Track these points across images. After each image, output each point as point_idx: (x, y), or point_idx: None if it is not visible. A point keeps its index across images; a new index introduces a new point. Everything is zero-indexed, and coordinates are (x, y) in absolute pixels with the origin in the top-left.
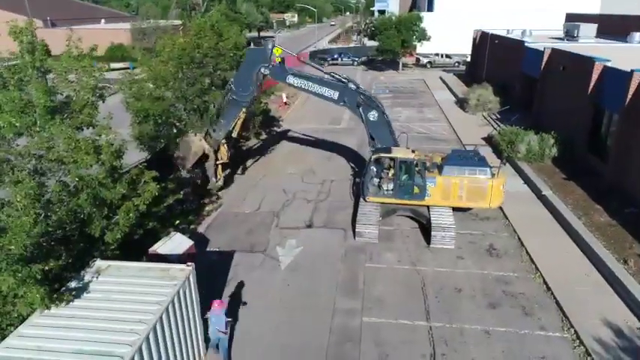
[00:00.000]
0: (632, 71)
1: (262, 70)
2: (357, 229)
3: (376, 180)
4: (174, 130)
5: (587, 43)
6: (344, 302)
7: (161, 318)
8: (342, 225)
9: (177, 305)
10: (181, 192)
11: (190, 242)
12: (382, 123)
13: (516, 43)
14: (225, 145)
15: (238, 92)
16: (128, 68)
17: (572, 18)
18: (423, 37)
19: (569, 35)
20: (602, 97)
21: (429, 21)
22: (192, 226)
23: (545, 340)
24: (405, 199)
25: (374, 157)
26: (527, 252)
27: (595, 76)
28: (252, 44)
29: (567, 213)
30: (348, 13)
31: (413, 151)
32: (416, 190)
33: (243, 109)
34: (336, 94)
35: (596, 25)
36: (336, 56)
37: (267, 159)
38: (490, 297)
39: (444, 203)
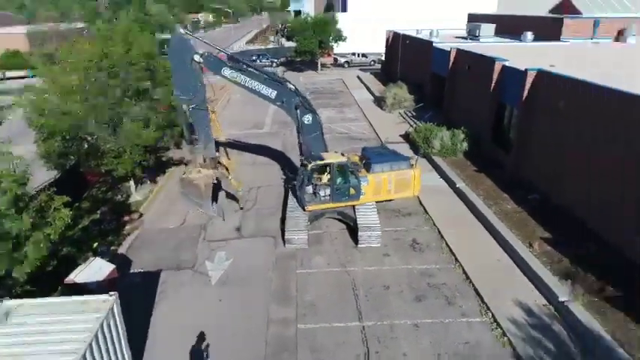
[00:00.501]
0: (527, 70)
1: (195, 57)
2: (286, 237)
3: (310, 188)
4: (85, 146)
5: (488, 42)
6: (278, 311)
7: (84, 358)
8: (271, 232)
9: (101, 341)
10: (98, 211)
11: (111, 266)
12: (316, 127)
13: (425, 43)
14: (224, 153)
15: (189, 97)
16: (27, 77)
17: (473, 18)
18: (339, 37)
19: (472, 35)
20: (502, 93)
21: (343, 21)
22: (112, 248)
23: (467, 326)
24: (342, 201)
25: (311, 166)
26: (446, 244)
27: (496, 75)
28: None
29: (479, 203)
30: (263, 13)
31: (342, 154)
32: (352, 191)
33: (210, 109)
34: (274, 93)
35: (494, 25)
36: (254, 58)
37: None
38: (416, 290)
39: (377, 199)
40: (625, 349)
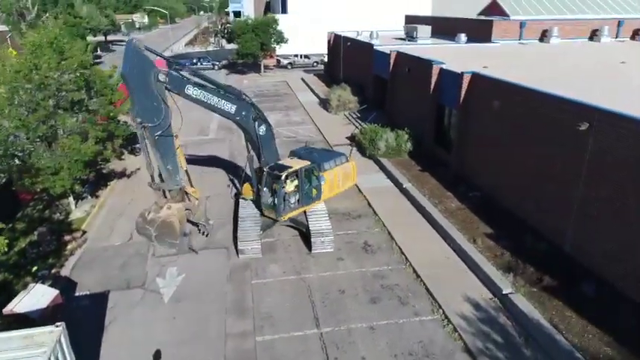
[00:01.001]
0: (462, 73)
1: (161, 77)
2: (239, 247)
3: (284, 196)
4: (17, 162)
5: (425, 44)
6: (235, 325)
7: None
8: (223, 244)
9: None
10: (35, 232)
11: (55, 292)
12: (270, 136)
13: (366, 45)
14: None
15: (154, 123)
16: None
17: (410, 20)
18: (281, 39)
19: (410, 36)
20: (441, 95)
21: (284, 23)
22: (54, 271)
23: (420, 325)
24: (310, 203)
25: (285, 174)
26: (397, 244)
27: (434, 77)
28: (98, 50)
29: (425, 202)
30: (202, 12)
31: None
32: (315, 192)
33: (175, 135)
34: (233, 108)
35: (430, 27)
36: (195, 61)
37: (134, 182)
38: (370, 293)
39: (332, 194)
40: (563, 334)
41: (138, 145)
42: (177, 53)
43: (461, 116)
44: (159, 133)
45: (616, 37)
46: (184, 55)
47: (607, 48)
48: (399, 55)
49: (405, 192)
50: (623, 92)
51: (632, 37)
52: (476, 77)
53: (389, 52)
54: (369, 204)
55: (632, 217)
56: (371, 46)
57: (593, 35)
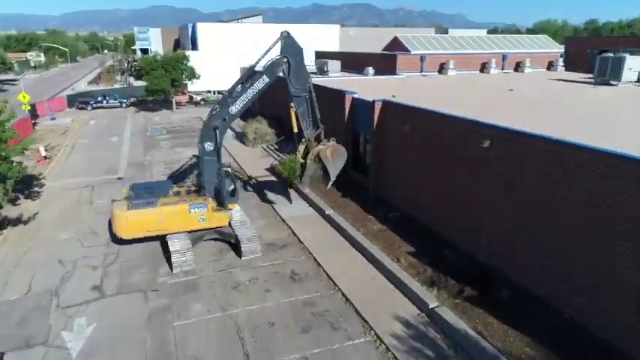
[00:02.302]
0: (374, 100)
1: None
2: (173, 262)
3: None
4: None
5: (336, 77)
6: None
7: None
8: (139, 286)
9: None
10: None
11: None
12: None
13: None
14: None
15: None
16: None
17: (320, 55)
18: (193, 75)
19: (321, 70)
20: (356, 123)
21: (195, 59)
22: None
23: (353, 348)
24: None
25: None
26: (324, 270)
27: (347, 106)
28: None
29: (348, 227)
30: (106, 51)
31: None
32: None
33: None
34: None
35: (339, 62)
36: (100, 99)
37: (32, 227)
38: (301, 322)
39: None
40: (488, 340)
41: (37, 188)
42: (79, 91)
43: (375, 141)
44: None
45: (502, 69)
46: (88, 92)
47: (496, 78)
48: (314, 87)
49: (328, 218)
50: (514, 114)
51: (515, 69)
52: (386, 104)
53: None
54: (293, 233)
55: (537, 225)
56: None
57: (483, 67)
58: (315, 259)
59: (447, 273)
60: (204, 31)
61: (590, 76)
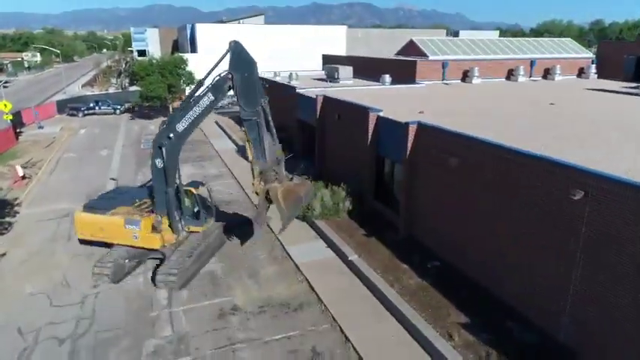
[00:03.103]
0: (407, 123)
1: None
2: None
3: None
4: None
5: (348, 85)
6: None
7: None
8: None
9: None
10: None
11: None
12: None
13: (288, 88)
14: None
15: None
16: None
17: (328, 60)
18: (191, 80)
19: (331, 77)
20: (381, 146)
21: (194, 63)
22: None
23: None
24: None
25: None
26: (354, 348)
27: (371, 126)
28: None
29: (378, 281)
30: (104, 50)
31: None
32: None
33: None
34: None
35: (351, 68)
36: (92, 105)
37: None
38: None
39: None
40: None
41: (8, 218)
42: (72, 96)
43: (408, 171)
44: None
45: (530, 77)
46: (81, 97)
47: (527, 87)
48: (326, 99)
49: (351, 266)
50: (575, 142)
51: (544, 76)
52: (424, 129)
53: (315, 96)
54: (310, 287)
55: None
56: (293, 88)
57: (510, 75)
58: (341, 330)
59: (519, 358)
60: (204, 32)
61: (632, 85)
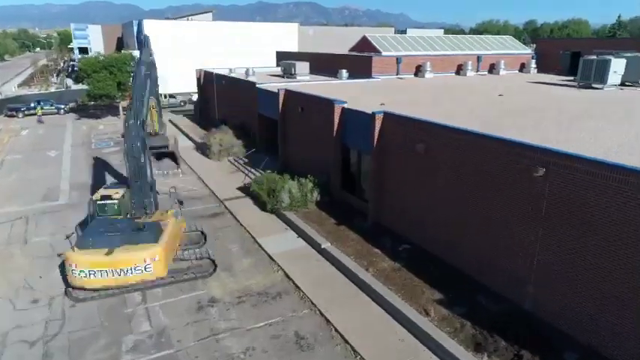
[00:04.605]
0: (374, 113)
1: None
2: None
3: None
4: None
5: (305, 80)
6: None
7: None
8: None
9: None
10: None
11: None
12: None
13: (247, 84)
14: None
15: None
16: None
17: (282, 56)
18: None
19: (287, 73)
20: (347, 137)
21: None
22: None
23: None
24: None
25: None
26: (336, 330)
27: (337, 118)
28: None
29: (353, 265)
30: (38, 49)
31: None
32: None
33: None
34: None
35: (308, 63)
36: (33, 105)
37: None
38: None
39: None
40: None
41: None
42: (7, 96)
43: (375, 160)
44: None
45: (477, 71)
46: (19, 97)
47: (475, 81)
48: (290, 93)
49: (325, 254)
50: (530, 128)
51: (489, 71)
52: (389, 117)
53: (277, 90)
54: (286, 275)
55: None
56: (253, 84)
57: (459, 70)
58: (321, 313)
59: (491, 329)
60: (151, 28)
61: (568, 78)
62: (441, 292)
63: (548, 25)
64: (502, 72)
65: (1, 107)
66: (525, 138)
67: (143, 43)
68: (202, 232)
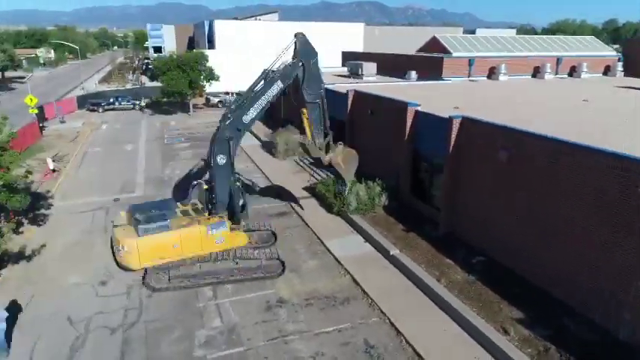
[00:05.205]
0: (451, 117)
1: None
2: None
3: None
4: None
5: (371, 81)
6: None
7: None
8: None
9: None
10: None
11: None
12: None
13: None
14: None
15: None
16: None
17: (348, 56)
18: (212, 76)
19: (354, 73)
20: (419, 142)
21: (212, 59)
22: None
23: None
24: None
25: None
26: (407, 342)
27: (409, 121)
28: None
29: (424, 275)
30: (116, 47)
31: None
32: None
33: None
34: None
35: (375, 64)
36: (112, 100)
37: (36, 266)
38: None
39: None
40: None
41: (43, 210)
42: (89, 92)
43: (450, 167)
44: None
45: (556, 74)
46: (100, 93)
47: (555, 85)
48: (359, 94)
49: (393, 261)
50: (624, 136)
51: (570, 74)
52: (468, 122)
53: (346, 91)
54: (354, 280)
55: None
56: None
57: (536, 72)
58: (390, 323)
59: (579, 356)
60: (222, 28)
61: None
62: (521, 310)
63: (632, 24)
64: (584, 75)
65: (84, 102)
66: (623, 149)
67: (299, 41)
68: (273, 232)
